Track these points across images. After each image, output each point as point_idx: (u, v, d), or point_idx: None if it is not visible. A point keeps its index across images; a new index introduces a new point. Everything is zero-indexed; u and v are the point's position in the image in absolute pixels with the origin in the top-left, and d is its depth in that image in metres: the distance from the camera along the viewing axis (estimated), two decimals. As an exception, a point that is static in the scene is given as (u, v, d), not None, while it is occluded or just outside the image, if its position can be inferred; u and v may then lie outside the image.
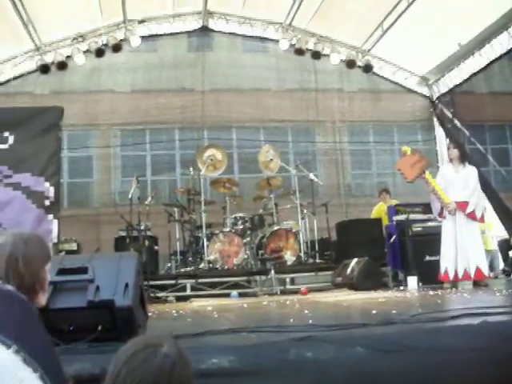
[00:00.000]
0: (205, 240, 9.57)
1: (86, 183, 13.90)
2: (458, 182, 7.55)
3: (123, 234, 9.98)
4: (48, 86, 12.99)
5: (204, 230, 9.71)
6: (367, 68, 13.60)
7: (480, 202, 7.77)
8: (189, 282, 9.17)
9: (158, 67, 13.82)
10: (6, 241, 2.14)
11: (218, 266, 9.49)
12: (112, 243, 10.19)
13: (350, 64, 13.57)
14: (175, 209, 10.54)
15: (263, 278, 9.16)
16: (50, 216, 7.23)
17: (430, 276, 7.76)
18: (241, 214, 10.25)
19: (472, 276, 7.27)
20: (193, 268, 9.60)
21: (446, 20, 10.96)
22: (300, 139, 14.67)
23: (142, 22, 13.17)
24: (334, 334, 3.22)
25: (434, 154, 14.29)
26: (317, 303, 6.83)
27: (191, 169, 10.81)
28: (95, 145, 13.84)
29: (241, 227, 10.00)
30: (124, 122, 13.69)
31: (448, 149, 8.06)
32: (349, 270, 8.69)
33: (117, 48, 12.65)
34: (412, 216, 9.00)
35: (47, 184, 7.26)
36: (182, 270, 9.78)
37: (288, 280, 9.53)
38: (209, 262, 9.46)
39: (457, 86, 13.23)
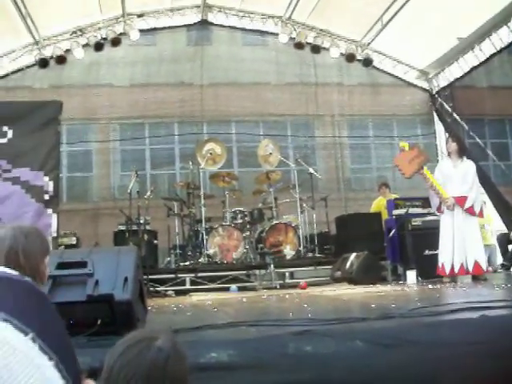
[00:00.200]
0: (204, 234, 9.57)
1: (85, 177, 13.89)
2: (456, 176, 7.54)
3: (122, 228, 9.98)
4: (47, 80, 12.96)
5: (203, 224, 9.71)
6: (367, 62, 13.57)
7: (479, 197, 7.76)
8: (188, 276, 9.18)
9: (157, 61, 13.79)
10: (5, 234, 2.14)
11: (217, 260, 9.50)
12: (111, 237, 10.19)
13: (350, 58, 13.54)
14: (174, 203, 10.54)
15: (262, 272, 9.17)
16: (50, 210, 7.23)
17: (429, 270, 7.76)
18: (240, 208, 10.25)
19: (470, 270, 7.27)
20: (192, 262, 9.60)
21: (445, 14, 10.93)
22: (299, 133, 14.65)
23: (140, 15, 13.13)
24: (333, 328, 3.23)
25: (433, 148, 14.28)
26: (316, 297, 6.84)
27: (190, 163, 10.82)
28: (94, 139, 13.82)
29: (240, 221, 10.00)
30: (123, 116, 13.67)
31: (446, 142, 8.04)
32: (348, 264, 8.70)
33: (116, 42, 12.61)
34: (411, 210, 9.00)
35: (46, 178, 7.26)
36: (182, 264, 9.79)
37: (287, 274, 9.54)
38: (208, 256, 9.46)
39: (456, 79, 13.21)
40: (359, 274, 8.43)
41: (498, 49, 11.38)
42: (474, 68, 12.36)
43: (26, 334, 0.33)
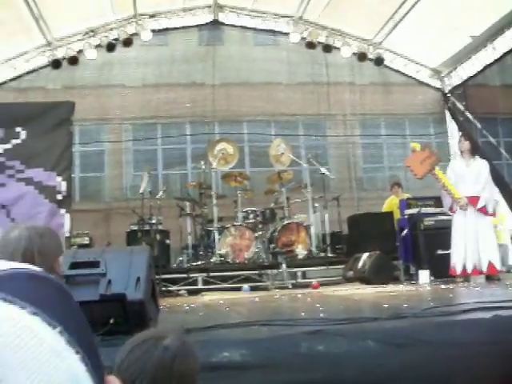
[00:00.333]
0: (216, 234, 9.59)
1: (97, 178, 13.95)
2: (468, 176, 7.50)
3: (135, 228, 10.02)
4: (60, 80, 13.03)
5: (215, 224, 9.73)
6: (378, 61, 13.52)
7: (492, 196, 7.72)
8: (200, 276, 9.19)
9: (169, 61, 13.81)
10: (21, 234, 2.16)
11: (229, 260, 9.51)
12: (124, 237, 10.23)
13: (362, 57, 13.49)
14: (187, 203, 10.57)
15: (274, 271, 9.17)
16: (62, 210, 7.27)
17: (442, 270, 7.73)
18: (252, 208, 10.26)
19: (484, 270, 7.23)
20: (204, 262, 9.62)
21: (458, 12, 10.86)
22: (311, 133, 14.64)
23: (152, 16, 13.16)
24: (345, 328, 3.22)
25: (446, 148, 14.20)
26: (328, 297, 6.83)
27: (202, 163, 10.83)
28: (107, 139, 13.88)
29: (252, 221, 10.00)
30: (135, 117, 13.72)
31: (459, 141, 7.98)
32: (360, 264, 8.68)
33: (128, 42, 12.66)
34: (424, 209, 8.96)
35: (59, 179, 7.30)
36: (194, 263, 9.80)
37: (299, 274, 9.53)
38: (220, 256, 9.48)
39: (469, 78, 13.12)
40: (371, 274, 8.41)
41: (512, 47, 11.31)
42: (487, 66, 12.27)
43: (54, 328, 0.33)
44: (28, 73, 12.74)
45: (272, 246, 9.79)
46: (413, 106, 14.46)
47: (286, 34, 13.73)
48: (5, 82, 12.61)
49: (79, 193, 13.29)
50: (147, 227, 9.54)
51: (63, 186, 7.35)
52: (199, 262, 9.72)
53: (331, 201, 10.60)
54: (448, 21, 11.14)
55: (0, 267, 0.42)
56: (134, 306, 3.40)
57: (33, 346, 0.37)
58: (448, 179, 7.52)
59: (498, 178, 10.68)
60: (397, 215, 9.83)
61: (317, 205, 10.56)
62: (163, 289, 8.25)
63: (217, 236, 9.56)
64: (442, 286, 6.95)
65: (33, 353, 0.37)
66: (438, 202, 8.66)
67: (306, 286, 8.75)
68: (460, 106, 13.60)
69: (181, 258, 10.35)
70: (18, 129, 7.36)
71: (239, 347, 2.78)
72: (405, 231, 8.85)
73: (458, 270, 7.30)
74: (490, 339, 2.87)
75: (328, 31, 13.41)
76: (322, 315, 4.12)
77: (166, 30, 13.73)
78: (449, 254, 7.56)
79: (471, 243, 7.26)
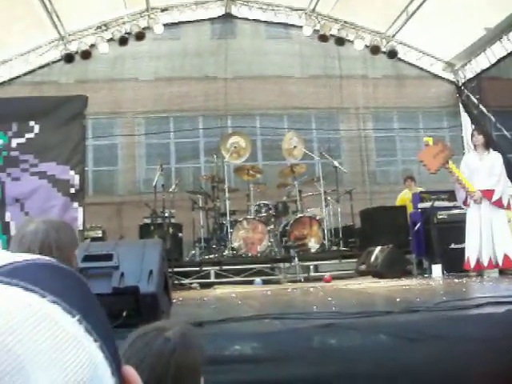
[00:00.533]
0: (229, 227, 9.60)
1: (110, 171, 14.00)
2: (482, 169, 7.45)
3: (148, 221, 10.06)
4: (72, 74, 13.08)
5: (228, 217, 9.75)
6: (392, 54, 13.45)
7: (506, 189, 7.66)
8: (213, 269, 9.22)
9: (181, 55, 13.82)
10: (37, 228, 2.17)
11: (241, 253, 9.52)
12: (136, 230, 10.28)
13: (375, 50, 13.43)
14: (199, 196, 10.59)
15: (287, 265, 9.17)
16: (76, 204, 7.30)
17: (455, 264, 7.70)
18: (264, 202, 10.26)
19: (500, 264, 7.19)
20: (217, 255, 9.65)
21: (472, 4, 10.76)
22: (324, 126, 14.59)
23: (164, 9, 13.17)
24: (357, 322, 3.22)
25: (459, 141, 14.12)
26: (340, 291, 6.83)
27: (215, 156, 10.84)
28: (119, 133, 13.93)
29: (264, 214, 10.01)
30: (148, 110, 13.75)
31: (472, 136, 7.91)
32: (373, 258, 8.66)
33: (140, 36, 12.68)
34: (437, 203, 8.91)
35: (72, 172, 7.33)
36: (206, 257, 9.83)
37: (312, 267, 9.52)
38: (233, 249, 9.49)
39: (483, 71, 13.01)
40: (384, 268, 8.39)
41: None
42: (501, 59, 12.16)
43: (73, 316, 0.34)
44: (41, 67, 12.81)
45: (284, 239, 9.79)
46: (426, 100, 14.37)
47: (299, 27, 13.70)
48: (19, 76, 12.68)
49: (92, 186, 13.34)
50: (160, 220, 9.58)
51: (76, 179, 7.38)
52: (212, 256, 9.75)
53: (344, 194, 10.58)
54: (462, 13, 11.03)
55: (17, 258, 0.43)
56: (147, 298, 3.41)
57: (53, 334, 0.38)
58: (462, 173, 7.47)
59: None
60: (410, 209, 9.80)
61: (329, 198, 10.54)
62: (176, 282, 8.28)
63: (229, 229, 9.57)
64: (455, 280, 6.91)
65: (53, 340, 0.38)
66: (451, 195, 8.61)
67: (319, 279, 8.74)
68: (474, 99, 13.49)
69: (193, 252, 10.38)
70: (32, 123, 7.39)
71: (251, 340, 2.79)
72: (418, 225, 8.82)
73: (473, 264, 7.26)
74: (502, 334, 2.85)
75: (341, 24, 13.36)
76: (334, 309, 4.12)
77: (178, 23, 13.74)
78: (462, 248, 7.52)
79: (486, 237, 7.22)
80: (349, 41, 13.47)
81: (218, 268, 9.24)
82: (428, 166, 7.59)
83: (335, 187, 10.51)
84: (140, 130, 14.03)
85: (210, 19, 14.03)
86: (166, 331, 1.47)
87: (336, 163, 10.70)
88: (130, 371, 0.48)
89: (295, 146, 10.94)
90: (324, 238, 9.88)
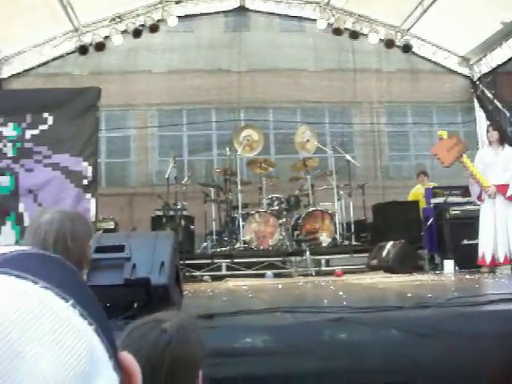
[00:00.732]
0: (240, 220, 9.61)
1: (123, 163, 14.06)
2: (497, 164, 7.39)
3: (160, 213, 10.08)
4: (86, 66, 13.13)
5: (240, 211, 9.75)
6: (406, 48, 13.37)
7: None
8: (224, 262, 9.24)
9: (195, 48, 13.82)
10: (52, 219, 2.18)
11: (253, 247, 9.53)
12: (148, 222, 10.30)
13: (389, 44, 13.36)
14: (211, 189, 10.61)
15: (298, 258, 9.17)
16: (88, 195, 7.31)
17: (468, 260, 7.66)
18: (277, 195, 10.26)
19: (515, 260, 7.14)
20: (228, 248, 9.66)
21: (488, -2, 10.68)
22: (337, 120, 14.56)
23: (178, 2, 13.16)
24: (368, 316, 3.21)
25: (474, 136, 14.02)
26: (352, 285, 6.81)
27: (228, 149, 10.84)
28: (132, 125, 13.98)
29: (276, 208, 10.01)
30: (161, 103, 13.78)
31: (487, 131, 7.84)
32: (384, 253, 8.64)
33: (154, 28, 12.69)
34: (450, 199, 8.86)
35: (85, 164, 7.34)
36: (218, 249, 9.85)
37: (323, 261, 9.51)
38: (244, 242, 9.50)
39: (499, 66, 12.89)
40: (396, 263, 8.37)
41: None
42: (517, 53, 12.06)
43: (67, 301, 0.34)
44: (55, 59, 12.87)
45: (296, 233, 9.79)
46: (440, 94, 14.28)
47: (313, 20, 13.65)
48: (33, 68, 12.75)
49: (105, 178, 13.40)
50: (172, 213, 9.60)
51: (89, 171, 7.39)
52: (223, 248, 9.77)
53: (356, 189, 10.55)
54: (478, 7, 10.92)
55: (4, 250, 0.43)
56: (158, 290, 3.42)
57: (48, 319, 0.38)
58: (476, 168, 7.42)
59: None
60: (422, 204, 9.75)
61: (342, 192, 10.52)
62: (187, 274, 8.31)
63: (241, 222, 9.58)
64: (467, 277, 6.88)
65: (49, 325, 0.38)
66: (464, 191, 8.56)
67: (330, 273, 8.73)
68: (489, 94, 13.39)
69: (205, 244, 10.41)
70: (46, 114, 7.40)
71: (262, 333, 2.79)
72: (430, 220, 8.78)
73: (488, 260, 7.21)
74: (515, 330, 2.84)
75: (355, 17, 13.30)
76: (345, 303, 4.11)
77: (192, 16, 13.74)
78: (475, 245, 7.48)
79: (501, 232, 7.17)
80: (363, 34, 13.41)
81: (229, 261, 9.25)
82: (442, 159, 7.55)
83: (348, 181, 10.48)
84: (153, 122, 14.06)
85: (223, 12, 14.04)
86: (163, 323, 1.46)
87: (349, 157, 10.66)
88: (127, 357, 0.48)
89: (308, 140, 10.92)
90: (336, 232, 9.87)
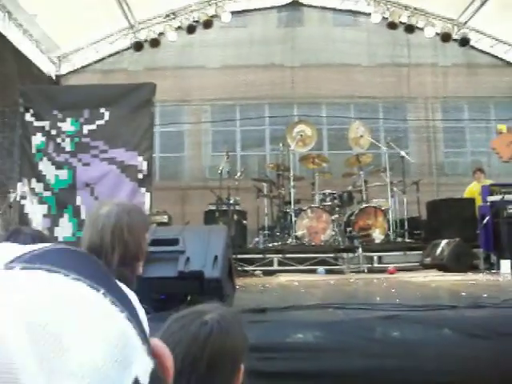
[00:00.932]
0: (293, 216, 9.61)
1: (177, 158, 14.24)
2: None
3: (213, 207, 10.17)
4: (141, 62, 13.36)
5: (292, 206, 9.75)
6: (464, 41, 13.08)
7: None
8: (276, 257, 9.27)
9: (248, 43, 13.87)
10: (110, 211, 2.23)
11: (305, 242, 9.52)
12: (201, 216, 10.41)
13: (446, 37, 13.09)
14: (264, 184, 10.65)
15: (350, 255, 9.11)
16: (143, 189, 7.44)
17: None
18: (329, 191, 10.21)
19: None
20: (280, 243, 9.69)
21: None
22: (391, 116, 14.36)
23: (232, -3, 13.24)
24: (421, 315, 3.18)
25: (533, 132, 13.62)
26: (404, 283, 6.74)
27: (281, 144, 10.87)
28: (186, 120, 14.14)
29: (329, 204, 9.97)
30: (214, 98, 13.87)
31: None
32: (439, 251, 8.50)
33: (208, 24, 12.80)
34: (507, 197, 8.65)
35: (140, 158, 7.47)
36: (270, 244, 9.89)
37: (376, 258, 9.42)
38: (296, 238, 9.50)
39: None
40: (450, 262, 8.22)
41: None
42: None
43: (98, 291, 0.36)
44: (111, 55, 13.14)
45: (349, 229, 9.73)
46: (499, 89, 13.89)
47: (367, 14, 13.49)
48: (89, 64, 13.04)
49: (159, 172, 13.59)
50: (225, 207, 9.69)
51: (144, 165, 7.51)
52: (275, 244, 9.80)
53: (410, 185, 10.42)
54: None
55: (33, 247, 0.46)
56: (211, 283, 3.47)
57: (82, 308, 0.40)
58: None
59: None
60: (478, 202, 9.55)
61: (395, 189, 10.39)
62: (239, 268, 8.37)
63: (293, 218, 9.58)
64: (525, 277, 6.72)
65: (84, 313, 0.40)
66: (523, 189, 8.35)
67: (382, 271, 8.65)
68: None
69: (257, 239, 10.46)
70: (102, 110, 7.56)
71: (314, 329, 2.80)
72: (486, 218, 8.59)
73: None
74: None
75: (410, 11, 13.07)
76: (397, 301, 4.07)
77: (245, 11, 13.78)
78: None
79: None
80: (418, 28, 13.18)
81: (281, 256, 9.28)
82: (500, 153, 7.40)
83: (401, 178, 10.35)
84: (206, 117, 14.19)
85: (277, 7, 14.03)
86: (204, 315, 1.47)
87: (403, 153, 10.52)
88: (158, 344, 0.49)
89: (362, 136, 10.83)
90: (389, 229, 9.76)
